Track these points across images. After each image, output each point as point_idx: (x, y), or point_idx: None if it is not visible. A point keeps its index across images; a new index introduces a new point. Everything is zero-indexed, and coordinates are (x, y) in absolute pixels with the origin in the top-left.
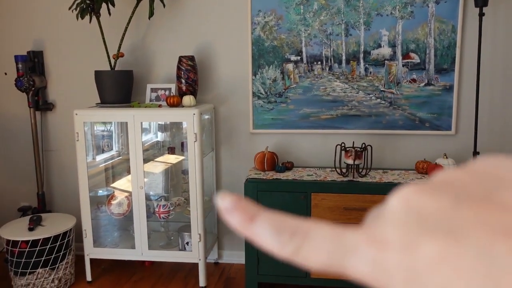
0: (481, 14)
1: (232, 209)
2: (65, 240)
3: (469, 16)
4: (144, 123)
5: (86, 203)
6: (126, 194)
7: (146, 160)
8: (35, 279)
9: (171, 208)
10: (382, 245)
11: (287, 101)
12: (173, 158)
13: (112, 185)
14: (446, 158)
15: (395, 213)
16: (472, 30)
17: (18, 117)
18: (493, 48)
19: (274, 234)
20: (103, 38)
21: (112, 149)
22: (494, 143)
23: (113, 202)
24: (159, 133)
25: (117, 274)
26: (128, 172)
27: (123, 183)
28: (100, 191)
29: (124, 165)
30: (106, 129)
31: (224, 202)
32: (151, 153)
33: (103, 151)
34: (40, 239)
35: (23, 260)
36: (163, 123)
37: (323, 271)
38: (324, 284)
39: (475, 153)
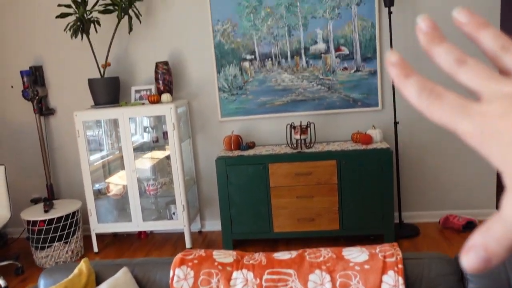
0: (390, 12)
1: (395, 64)
2: (75, 219)
3: (383, 14)
4: (131, 127)
5: (89, 187)
6: (120, 186)
7: (136, 157)
8: (53, 251)
9: (159, 186)
10: (490, 116)
11: (246, 92)
12: (159, 154)
13: (107, 180)
14: (375, 128)
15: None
16: (387, 25)
17: (25, 123)
18: (404, 37)
19: (418, 91)
20: (93, 52)
21: (103, 150)
22: (412, 114)
23: (110, 189)
24: (145, 134)
25: (118, 246)
26: (121, 168)
27: (115, 179)
28: (97, 185)
29: (117, 162)
30: (96, 134)
31: (392, 58)
32: (139, 150)
33: (99, 151)
34: (54, 218)
35: (42, 236)
36: (147, 125)
37: (441, 125)
38: (284, 236)
39: (395, 122)
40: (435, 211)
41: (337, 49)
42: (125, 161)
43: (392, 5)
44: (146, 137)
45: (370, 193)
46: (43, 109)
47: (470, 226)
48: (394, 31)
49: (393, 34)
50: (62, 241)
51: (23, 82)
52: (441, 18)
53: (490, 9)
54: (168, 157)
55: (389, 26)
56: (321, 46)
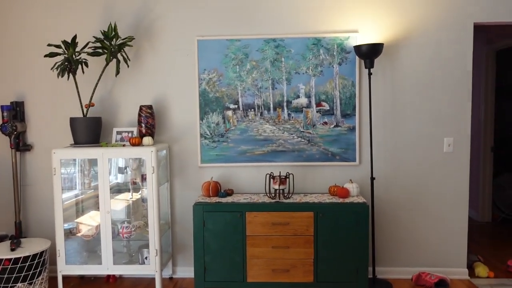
0: (370, 74)
1: None
2: (42, 259)
3: (363, 74)
4: (105, 168)
5: (60, 227)
6: (91, 226)
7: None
8: None
9: (133, 229)
10: None
11: (228, 140)
12: (134, 196)
13: (77, 220)
14: (352, 182)
15: None
16: (367, 84)
17: (0, 157)
18: (383, 97)
19: None
20: (78, 92)
21: (76, 189)
22: (388, 170)
23: (80, 229)
24: (119, 175)
25: None
26: (93, 209)
27: (86, 219)
28: (66, 225)
29: (89, 202)
30: (68, 172)
31: None
32: (113, 191)
33: (71, 189)
34: (21, 257)
35: (5, 276)
36: (123, 166)
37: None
38: (257, 287)
39: (372, 178)
40: (408, 268)
41: (318, 104)
42: (101, 202)
43: (372, 67)
44: (120, 178)
45: (346, 247)
46: (20, 145)
47: (442, 284)
48: (373, 91)
49: (372, 93)
50: (26, 282)
51: (3, 117)
52: (415, 82)
53: (461, 76)
54: (143, 200)
55: (368, 86)
56: (303, 100)
